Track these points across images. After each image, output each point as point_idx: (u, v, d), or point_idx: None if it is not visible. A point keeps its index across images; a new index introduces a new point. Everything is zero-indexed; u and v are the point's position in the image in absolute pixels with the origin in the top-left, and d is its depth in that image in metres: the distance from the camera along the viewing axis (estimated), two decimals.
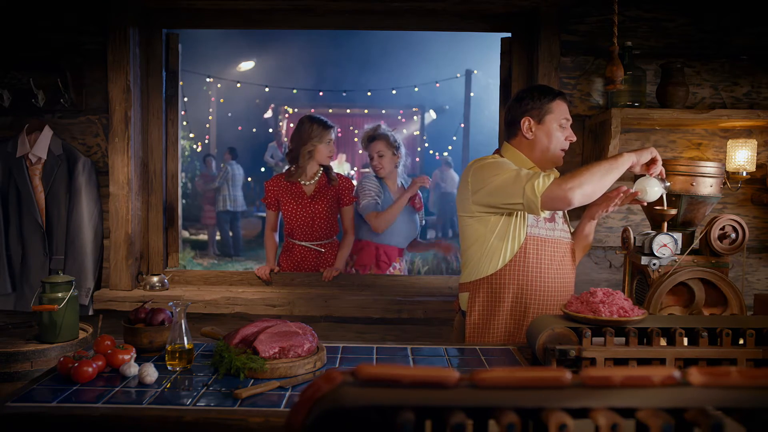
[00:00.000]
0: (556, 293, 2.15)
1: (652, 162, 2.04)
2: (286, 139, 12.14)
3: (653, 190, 2.06)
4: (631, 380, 0.75)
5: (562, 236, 2.18)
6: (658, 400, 0.73)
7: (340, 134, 11.87)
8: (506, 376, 0.74)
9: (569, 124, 2.16)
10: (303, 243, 3.16)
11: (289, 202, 3.13)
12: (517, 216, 2.09)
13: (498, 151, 2.26)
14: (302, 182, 3.14)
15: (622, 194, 2.10)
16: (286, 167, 3.25)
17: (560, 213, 2.21)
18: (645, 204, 2.15)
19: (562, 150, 2.16)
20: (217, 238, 9.61)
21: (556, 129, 2.13)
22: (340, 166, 11.80)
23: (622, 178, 2.16)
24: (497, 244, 2.10)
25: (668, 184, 2.10)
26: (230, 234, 9.42)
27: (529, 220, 2.11)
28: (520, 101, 2.18)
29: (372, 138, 3.28)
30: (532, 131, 2.14)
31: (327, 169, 3.19)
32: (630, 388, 0.74)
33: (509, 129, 2.21)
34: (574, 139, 2.17)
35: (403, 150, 3.32)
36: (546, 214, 2.12)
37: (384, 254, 3.24)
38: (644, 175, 2.07)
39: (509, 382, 0.74)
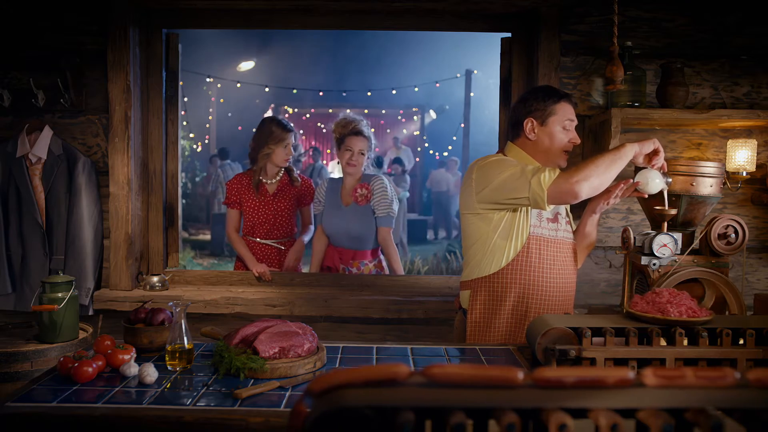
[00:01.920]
0: (558, 293, 2.15)
1: (654, 153, 2.04)
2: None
3: (654, 182, 2.05)
4: (584, 382, 0.74)
5: (565, 236, 2.18)
6: (611, 402, 0.73)
7: None
8: (457, 373, 0.74)
9: (573, 125, 2.15)
10: (264, 241, 3.20)
11: (251, 200, 3.18)
12: (520, 215, 2.09)
13: (501, 152, 2.26)
14: (264, 181, 3.19)
15: (622, 185, 2.09)
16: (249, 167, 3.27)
17: (563, 213, 2.21)
18: (646, 196, 2.15)
19: (565, 152, 2.15)
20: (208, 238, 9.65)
21: (559, 131, 2.13)
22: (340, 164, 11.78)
23: (622, 174, 2.16)
24: (500, 243, 2.10)
25: (670, 179, 2.10)
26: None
27: (532, 220, 2.10)
28: (524, 102, 2.17)
29: (356, 132, 3.15)
30: (534, 132, 2.14)
31: (288, 170, 3.25)
32: (583, 389, 0.74)
33: (513, 129, 2.21)
34: (578, 141, 2.16)
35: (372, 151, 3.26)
36: (549, 214, 2.12)
37: (339, 257, 3.17)
38: (646, 167, 2.07)
39: (460, 379, 0.74)
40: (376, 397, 0.73)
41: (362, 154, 3.16)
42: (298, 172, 3.35)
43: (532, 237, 2.10)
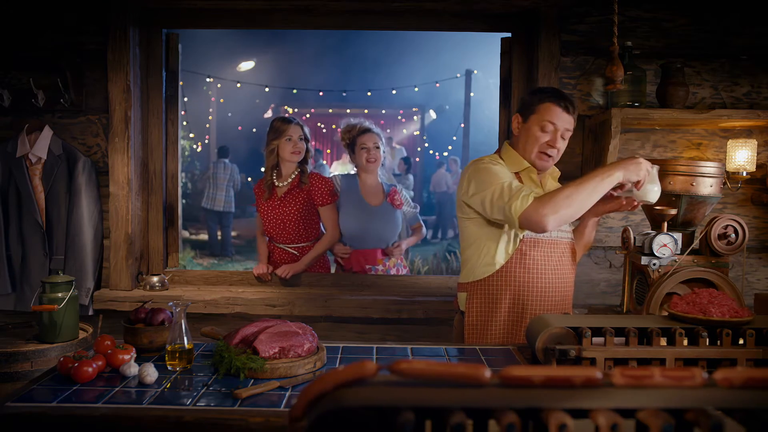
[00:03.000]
0: (555, 294, 2.14)
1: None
2: None
3: (653, 192, 1.98)
4: (552, 381, 0.74)
5: (560, 236, 2.16)
6: (581, 402, 0.73)
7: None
8: (426, 369, 0.74)
9: (553, 129, 2.07)
10: (280, 245, 3.14)
11: (262, 204, 3.12)
12: None
13: (498, 151, 2.26)
14: (277, 183, 3.08)
15: (624, 203, 2.03)
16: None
17: None
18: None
19: (542, 153, 2.09)
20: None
21: (537, 130, 2.08)
22: (344, 166, 11.82)
23: None
24: (493, 246, 2.09)
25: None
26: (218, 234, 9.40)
27: None
28: (521, 99, 2.18)
29: (365, 130, 3.19)
30: (518, 129, 2.15)
31: (302, 170, 3.10)
32: (554, 389, 0.74)
33: (509, 128, 2.22)
34: (556, 146, 2.07)
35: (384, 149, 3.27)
36: None
37: (362, 258, 3.18)
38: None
39: (430, 375, 0.74)
40: (375, 396, 0.73)
41: (377, 147, 3.19)
42: (312, 169, 3.22)
43: (525, 239, 2.09)
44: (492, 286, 2.10)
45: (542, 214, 1.85)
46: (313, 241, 3.14)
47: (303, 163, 3.10)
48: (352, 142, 3.21)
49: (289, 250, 3.13)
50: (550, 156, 2.10)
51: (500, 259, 2.09)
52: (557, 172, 2.27)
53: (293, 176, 3.08)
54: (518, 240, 2.08)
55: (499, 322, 2.10)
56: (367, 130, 3.20)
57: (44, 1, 2.88)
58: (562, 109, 2.07)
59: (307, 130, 3.13)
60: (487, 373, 0.74)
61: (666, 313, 1.78)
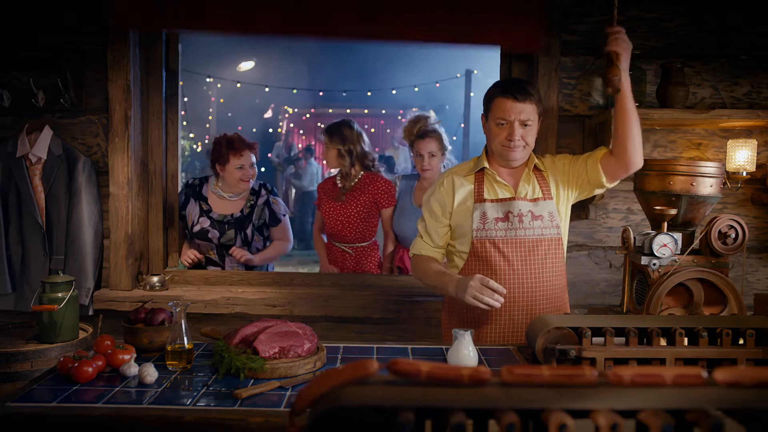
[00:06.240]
0: (522, 292, 2.10)
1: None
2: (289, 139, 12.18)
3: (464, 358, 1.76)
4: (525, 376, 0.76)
5: (527, 235, 2.10)
6: (581, 402, 0.74)
7: None
8: (439, 371, 0.75)
9: (507, 123, 2.06)
10: (337, 244, 3.24)
11: (326, 204, 3.22)
12: (459, 219, 2.15)
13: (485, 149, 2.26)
14: (342, 184, 3.19)
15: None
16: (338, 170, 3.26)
17: (523, 212, 2.11)
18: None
19: (504, 147, 2.09)
20: None
21: (494, 127, 2.10)
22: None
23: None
24: (453, 248, 2.20)
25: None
26: None
27: (475, 224, 2.11)
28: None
29: (423, 134, 3.10)
30: (484, 129, 2.18)
31: (366, 168, 3.19)
32: (551, 388, 0.75)
33: None
34: (514, 139, 2.06)
35: (449, 149, 3.19)
36: (497, 213, 2.10)
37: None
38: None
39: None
40: (375, 395, 0.73)
41: (432, 155, 3.08)
42: (383, 168, 3.30)
43: (475, 240, 2.10)
44: None
45: (412, 268, 2.32)
46: (369, 242, 3.24)
47: (367, 168, 3.19)
48: (411, 143, 3.19)
49: (346, 249, 3.21)
50: (513, 148, 2.08)
51: (459, 259, 2.18)
52: (534, 160, 2.19)
53: (358, 178, 3.18)
54: (468, 242, 2.12)
55: (470, 323, 2.15)
56: (424, 135, 3.09)
57: (44, 1, 2.88)
58: (511, 99, 2.05)
59: (364, 136, 3.22)
60: (466, 372, 0.75)
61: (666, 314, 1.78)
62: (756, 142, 2.72)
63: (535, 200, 2.15)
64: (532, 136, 2.11)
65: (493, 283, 1.89)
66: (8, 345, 2.19)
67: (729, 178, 2.73)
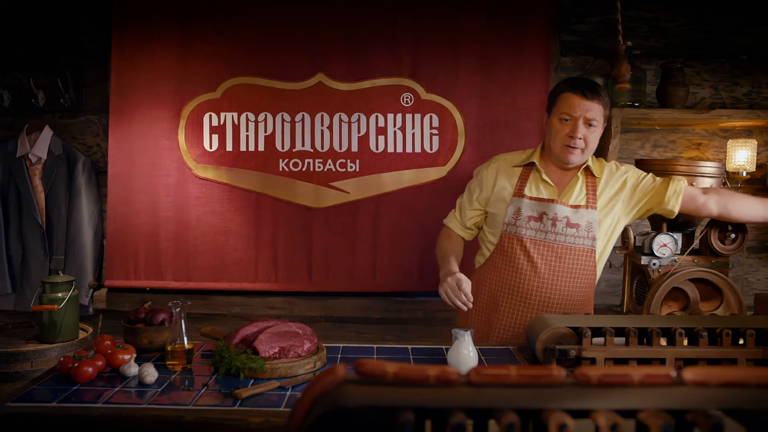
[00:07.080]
0: (540, 297, 2.04)
1: None
2: None
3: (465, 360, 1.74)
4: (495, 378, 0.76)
5: (558, 240, 2.03)
6: (581, 403, 0.75)
7: None
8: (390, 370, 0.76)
9: (571, 119, 1.98)
10: None
11: None
12: (494, 206, 2.12)
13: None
14: None
15: None
16: None
17: (558, 216, 2.03)
18: None
19: (566, 146, 2.00)
20: None
21: (557, 123, 2.02)
22: None
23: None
24: (482, 236, 2.18)
25: None
26: None
27: (507, 218, 2.06)
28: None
29: None
30: (545, 126, 2.10)
31: None
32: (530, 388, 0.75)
33: None
34: (576, 137, 1.97)
35: None
36: (531, 211, 2.04)
37: None
38: None
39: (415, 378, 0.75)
40: (374, 395, 0.73)
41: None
42: None
43: (504, 234, 2.08)
44: (478, 278, 2.14)
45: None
46: None
47: None
48: None
49: None
50: (574, 147, 1.99)
51: (487, 251, 2.14)
52: (601, 163, 2.12)
53: None
54: (498, 235, 2.09)
55: (480, 316, 2.12)
56: None
57: (44, 1, 2.88)
58: (579, 96, 1.97)
59: None
60: (449, 372, 0.76)
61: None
62: (756, 142, 2.72)
63: (576, 207, 2.03)
64: (594, 139, 2.02)
65: (466, 288, 1.89)
66: (8, 345, 2.19)
67: (729, 178, 2.73)
